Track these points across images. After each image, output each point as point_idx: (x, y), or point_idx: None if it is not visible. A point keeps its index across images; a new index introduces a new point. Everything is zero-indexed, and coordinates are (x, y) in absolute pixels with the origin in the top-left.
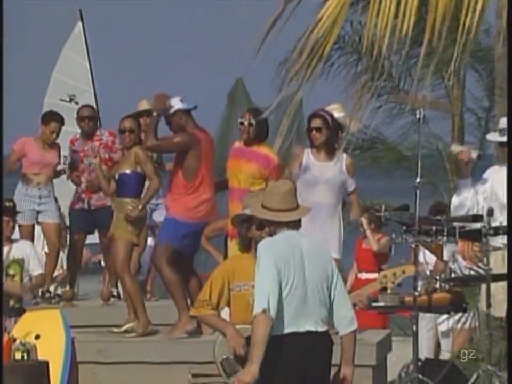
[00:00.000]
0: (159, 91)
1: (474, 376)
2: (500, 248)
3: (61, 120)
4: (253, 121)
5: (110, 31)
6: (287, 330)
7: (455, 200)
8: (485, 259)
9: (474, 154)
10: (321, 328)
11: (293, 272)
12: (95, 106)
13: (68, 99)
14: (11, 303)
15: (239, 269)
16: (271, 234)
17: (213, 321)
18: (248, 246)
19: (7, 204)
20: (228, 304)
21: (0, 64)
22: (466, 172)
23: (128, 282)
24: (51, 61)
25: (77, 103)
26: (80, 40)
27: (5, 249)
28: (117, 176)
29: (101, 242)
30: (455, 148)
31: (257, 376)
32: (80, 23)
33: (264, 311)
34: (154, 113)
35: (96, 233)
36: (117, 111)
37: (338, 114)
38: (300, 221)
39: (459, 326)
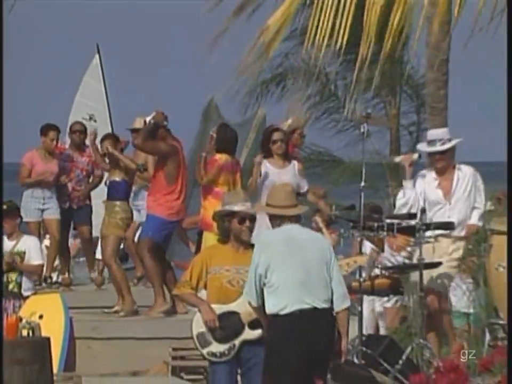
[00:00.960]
0: (157, 109)
1: (409, 348)
2: (428, 242)
3: (57, 129)
4: (214, 135)
5: (122, 61)
6: (300, 306)
7: (400, 199)
8: (418, 250)
9: (415, 156)
10: (326, 305)
11: (279, 258)
12: (109, 123)
13: (88, 118)
14: (10, 287)
15: (216, 255)
16: (251, 229)
17: (191, 299)
18: (227, 237)
19: (5, 207)
20: (205, 286)
21: (0, 64)
22: (409, 174)
23: (115, 270)
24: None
25: (95, 121)
26: (97, 69)
27: (13, 243)
28: (108, 183)
29: (79, 234)
30: (396, 158)
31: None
32: (97, 55)
33: (249, 304)
34: (152, 122)
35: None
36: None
37: (287, 126)
38: (299, 216)
39: (389, 305)
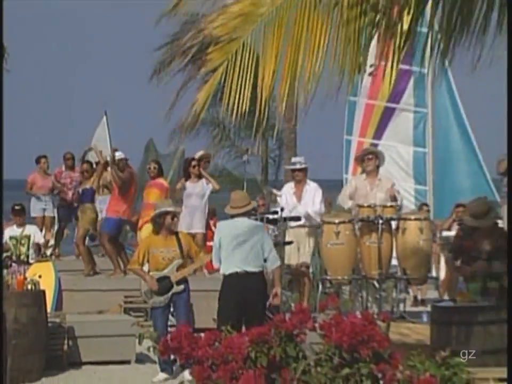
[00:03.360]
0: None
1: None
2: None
3: (46, 157)
4: (156, 166)
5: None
6: (236, 269)
7: (282, 202)
8: (283, 233)
9: (278, 193)
10: (255, 269)
11: (227, 239)
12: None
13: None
14: (22, 257)
15: (153, 242)
16: (175, 223)
17: (139, 272)
18: (159, 229)
19: (16, 207)
20: (148, 261)
21: (0, 65)
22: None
23: (82, 249)
24: None
25: (101, 151)
26: (104, 126)
27: (21, 229)
28: (80, 191)
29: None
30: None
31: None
32: (105, 117)
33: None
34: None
35: None
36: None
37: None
38: (247, 212)
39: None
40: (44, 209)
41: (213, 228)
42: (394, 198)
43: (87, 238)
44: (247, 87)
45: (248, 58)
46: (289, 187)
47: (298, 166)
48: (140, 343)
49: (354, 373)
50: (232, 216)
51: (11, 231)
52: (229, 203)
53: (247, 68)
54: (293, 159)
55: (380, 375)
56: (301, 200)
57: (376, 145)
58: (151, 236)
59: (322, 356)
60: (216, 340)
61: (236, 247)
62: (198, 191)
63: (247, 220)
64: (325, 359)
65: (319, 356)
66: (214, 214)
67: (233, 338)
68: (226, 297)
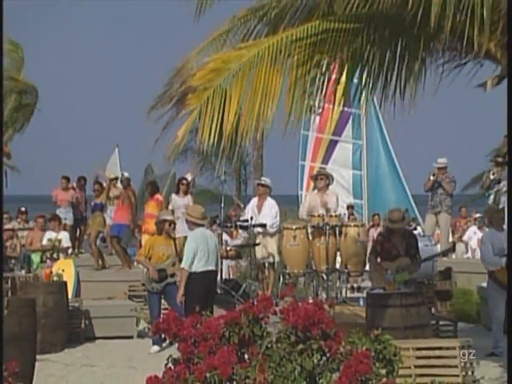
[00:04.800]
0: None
1: (244, 285)
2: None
3: (67, 178)
4: (150, 186)
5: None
6: (203, 269)
7: (246, 212)
8: (253, 237)
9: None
10: (216, 268)
11: (202, 245)
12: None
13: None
14: (54, 255)
15: (156, 241)
16: (172, 228)
17: (145, 262)
18: (160, 232)
19: (53, 217)
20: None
21: (0, 65)
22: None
23: (93, 249)
24: None
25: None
26: (115, 157)
27: (55, 234)
28: (93, 204)
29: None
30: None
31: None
32: (116, 149)
33: (184, 267)
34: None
35: None
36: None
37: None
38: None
39: (233, 263)
40: (65, 219)
41: None
42: (325, 205)
43: (99, 240)
44: (216, 124)
45: (218, 103)
46: (253, 201)
47: (262, 182)
48: (137, 324)
49: (306, 348)
50: (198, 225)
51: (49, 234)
52: (196, 215)
53: (217, 110)
54: (262, 178)
55: (327, 350)
56: (260, 213)
57: (324, 168)
58: (155, 236)
59: (281, 335)
60: (198, 322)
61: (205, 251)
62: (185, 203)
63: (208, 230)
64: (284, 337)
65: (279, 334)
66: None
67: (211, 321)
68: (198, 288)
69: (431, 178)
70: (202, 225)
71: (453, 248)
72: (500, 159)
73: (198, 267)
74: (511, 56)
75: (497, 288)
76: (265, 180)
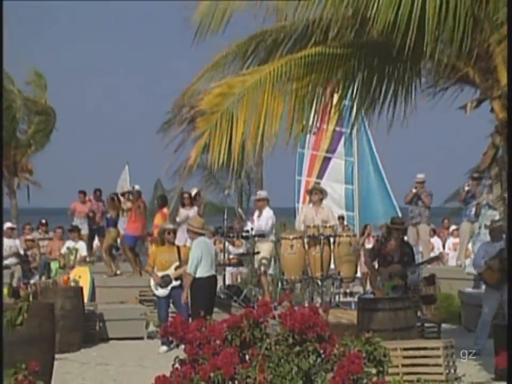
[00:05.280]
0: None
1: (245, 290)
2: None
3: (83, 192)
4: (159, 200)
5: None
6: (208, 274)
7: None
8: (253, 246)
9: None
10: (215, 273)
11: (205, 252)
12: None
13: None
14: (71, 263)
15: (160, 251)
16: (174, 237)
17: (150, 272)
18: (163, 241)
19: (72, 228)
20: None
21: (0, 65)
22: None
23: (106, 257)
24: None
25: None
26: (125, 173)
27: (74, 243)
28: (109, 217)
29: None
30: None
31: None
32: (127, 166)
33: (190, 273)
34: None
35: None
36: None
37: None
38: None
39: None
40: (81, 229)
41: None
42: (327, 218)
43: (114, 249)
44: (225, 146)
45: (225, 125)
46: (255, 214)
47: (257, 197)
48: (146, 327)
49: (303, 350)
50: (200, 235)
51: (68, 243)
52: (197, 226)
53: (225, 132)
54: (257, 192)
55: (321, 351)
56: (259, 219)
57: (318, 183)
58: (158, 246)
59: (280, 337)
60: (202, 325)
61: (208, 257)
62: (190, 215)
63: (208, 239)
64: (282, 340)
65: (277, 337)
66: (214, 232)
67: (215, 325)
68: (204, 291)
69: (413, 191)
70: (203, 235)
71: (438, 257)
72: (475, 175)
73: (203, 272)
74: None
75: (486, 287)
76: (260, 193)
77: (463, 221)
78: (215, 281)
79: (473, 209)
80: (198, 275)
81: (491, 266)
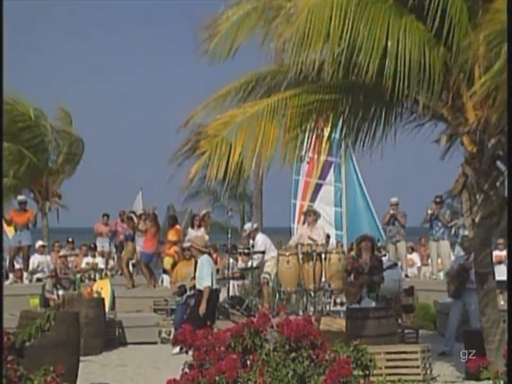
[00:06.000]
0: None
1: (247, 300)
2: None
3: (107, 215)
4: (171, 219)
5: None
6: (215, 287)
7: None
8: (252, 261)
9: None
10: (217, 287)
11: (212, 268)
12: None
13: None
14: (92, 276)
15: (180, 265)
16: (192, 252)
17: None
18: (183, 256)
19: (92, 246)
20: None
21: (0, 66)
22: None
23: (125, 271)
24: None
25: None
26: (139, 197)
27: (93, 259)
28: (127, 233)
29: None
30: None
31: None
32: (140, 191)
33: (208, 286)
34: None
35: None
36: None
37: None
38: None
39: (240, 283)
40: (102, 246)
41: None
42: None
43: (131, 265)
44: (223, 164)
45: (225, 147)
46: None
47: (249, 231)
48: (159, 335)
49: (298, 356)
50: (203, 252)
51: (87, 259)
52: (201, 244)
53: (224, 152)
54: (244, 228)
55: (315, 357)
56: (256, 244)
57: (311, 206)
58: (180, 262)
59: (277, 345)
60: (209, 334)
61: (213, 273)
62: (199, 234)
63: (209, 256)
64: (279, 347)
65: (275, 344)
66: (215, 249)
67: (219, 333)
68: (212, 301)
69: (391, 212)
70: (205, 253)
71: (395, 265)
72: (437, 199)
73: (214, 285)
74: (511, 65)
75: (451, 297)
76: (246, 226)
77: (429, 240)
78: (217, 295)
79: (453, 230)
80: (202, 288)
81: (451, 279)
